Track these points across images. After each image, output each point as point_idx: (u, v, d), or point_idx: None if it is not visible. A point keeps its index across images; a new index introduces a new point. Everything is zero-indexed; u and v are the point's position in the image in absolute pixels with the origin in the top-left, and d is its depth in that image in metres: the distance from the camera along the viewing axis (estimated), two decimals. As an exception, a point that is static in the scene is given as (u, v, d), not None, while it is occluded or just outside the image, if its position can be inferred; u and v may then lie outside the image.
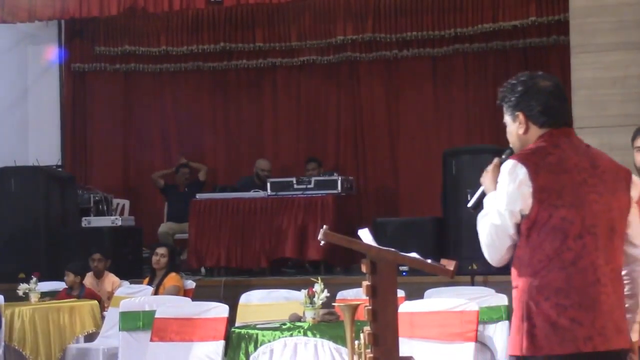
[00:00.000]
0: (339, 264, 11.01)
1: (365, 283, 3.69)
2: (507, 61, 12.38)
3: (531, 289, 3.50)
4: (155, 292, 8.99)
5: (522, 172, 3.51)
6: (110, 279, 9.84)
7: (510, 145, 3.71)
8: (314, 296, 6.78)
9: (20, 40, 13.13)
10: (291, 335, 6.45)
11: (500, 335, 7.23)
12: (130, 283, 9.67)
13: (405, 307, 6.60)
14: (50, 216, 11.22)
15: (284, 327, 6.68)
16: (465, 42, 12.46)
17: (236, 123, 13.43)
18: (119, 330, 7.88)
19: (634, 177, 3.70)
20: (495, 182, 3.60)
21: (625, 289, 3.63)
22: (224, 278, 10.53)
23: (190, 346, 7.10)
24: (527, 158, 3.55)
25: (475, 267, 9.43)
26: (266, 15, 13.03)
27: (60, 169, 12.49)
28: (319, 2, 12.80)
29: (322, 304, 6.79)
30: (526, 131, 3.64)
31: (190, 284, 9.36)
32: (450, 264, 3.74)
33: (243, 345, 6.55)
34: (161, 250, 9.39)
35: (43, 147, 13.09)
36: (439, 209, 10.42)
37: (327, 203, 10.86)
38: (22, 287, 9.22)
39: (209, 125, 13.51)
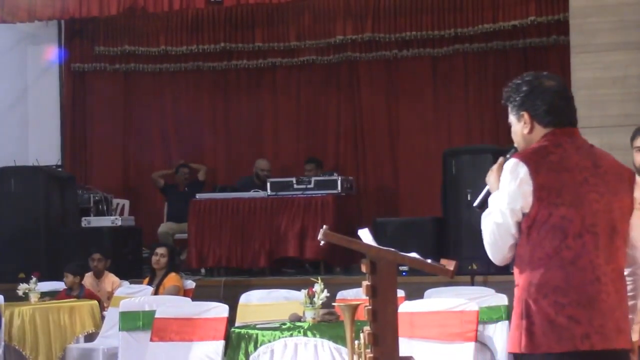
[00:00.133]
0: (339, 264, 11.01)
1: (365, 283, 3.68)
2: (507, 61, 12.38)
3: (530, 287, 3.52)
4: (155, 292, 8.99)
5: (523, 170, 3.52)
6: (110, 279, 9.84)
7: (515, 145, 3.73)
8: (314, 296, 6.77)
9: (20, 40, 13.13)
10: (291, 335, 6.45)
11: (500, 335, 7.22)
12: (130, 283, 9.67)
13: (405, 307, 6.60)
14: (50, 216, 11.22)
15: (283, 327, 6.68)
16: (465, 42, 12.46)
17: (236, 123, 13.43)
18: (119, 330, 7.87)
19: (638, 179, 3.70)
20: (500, 181, 3.62)
21: (628, 290, 3.63)
22: (224, 278, 10.53)
23: (190, 346, 7.10)
24: (529, 157, 3.56)
25: (475, 267, 9.44)
26: (266, 15, 13.04)
27: (60, 169, 12.48)
28: (319, 2, 12.79)
29: (322, 304, 6.78)
30: (531, 131, 3.66)
31: (190, 284, 9.36)
32: (450, 264, 3.74)
33: (243, 345, 6.55)
34: (161, 250, 9.38)
35: (43, 147, 13.08)
36: (439, 209, 10.41)
37: (327, 203, 10.86)
38: (22, 287, 9.22)
39: (208, 125, 13.51)
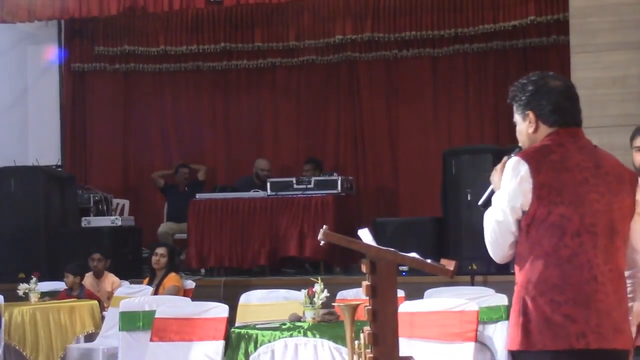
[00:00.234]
0: (339, 264, 11.01)
1: (365, 283, 3.68)
2: (507, 61, 12.38)
3: (528, 285, 3.54)
4: (155, 292, 8.99)
5: (524, 168, 3.54)
6: (110, 279, 9.84)
7: (520, 144, 3.74)
8: (313, 296, 6.77)
9: (20, 40, 13.12)
10: (291, 335, 6.45)
11: (500, 335, 7.22)
12: (130, 283, 9.67)
13: (405, 307, 6.60)
14: (50, 216, 11.21)
15: (283, 327, 6.68)
16: (465, 42, 12.46)
17: (236, 123, 13.43)
18: (119, 330, 7.87)
19: (640, 179, 3.71)
20: None
21: (628, 291, 3.63)
22: (224, 278, 10.53)
23: (190, 346, 7.10)
24: (530, 155, 3.58)
25: (475, 267, 9.44)
26: (266, 15, 13.03)
27: (60, 169, 12.47)
28: (319, 2, 12.79)
29: (322, 304, 6.78)
30: (536, 130, 3.67)
31: (190, 284, 9.36)
32: (450, 264, 3.74)
33: (243, 345, 6.55)
34: (161, 250, 9.38)
35: (43, 147, 13.08)
36: (439, 209, 10.41)
37: (327, 203, 10.86)
38: (22, 287, 9.23)
39: (208, 125, 13.51)
